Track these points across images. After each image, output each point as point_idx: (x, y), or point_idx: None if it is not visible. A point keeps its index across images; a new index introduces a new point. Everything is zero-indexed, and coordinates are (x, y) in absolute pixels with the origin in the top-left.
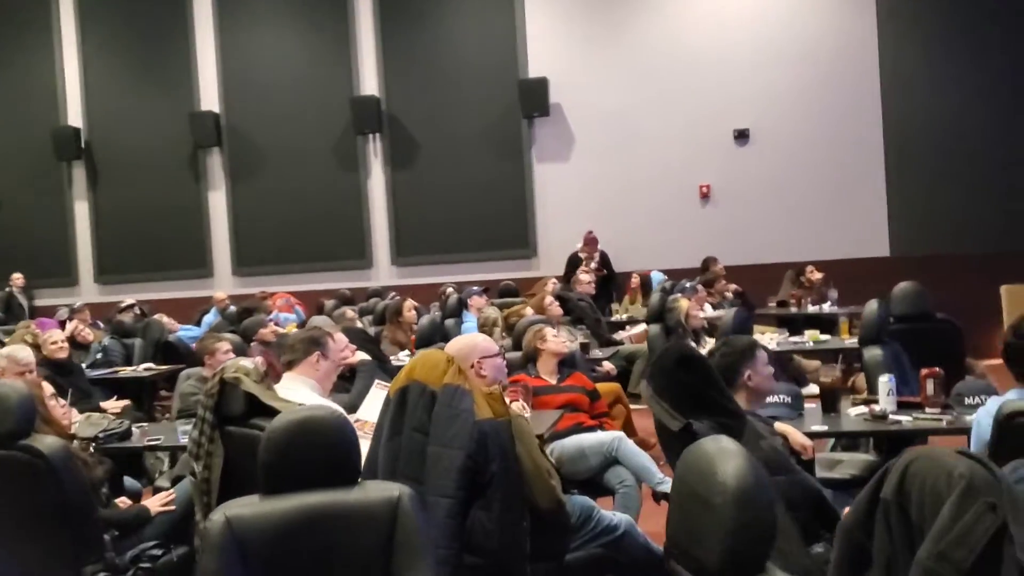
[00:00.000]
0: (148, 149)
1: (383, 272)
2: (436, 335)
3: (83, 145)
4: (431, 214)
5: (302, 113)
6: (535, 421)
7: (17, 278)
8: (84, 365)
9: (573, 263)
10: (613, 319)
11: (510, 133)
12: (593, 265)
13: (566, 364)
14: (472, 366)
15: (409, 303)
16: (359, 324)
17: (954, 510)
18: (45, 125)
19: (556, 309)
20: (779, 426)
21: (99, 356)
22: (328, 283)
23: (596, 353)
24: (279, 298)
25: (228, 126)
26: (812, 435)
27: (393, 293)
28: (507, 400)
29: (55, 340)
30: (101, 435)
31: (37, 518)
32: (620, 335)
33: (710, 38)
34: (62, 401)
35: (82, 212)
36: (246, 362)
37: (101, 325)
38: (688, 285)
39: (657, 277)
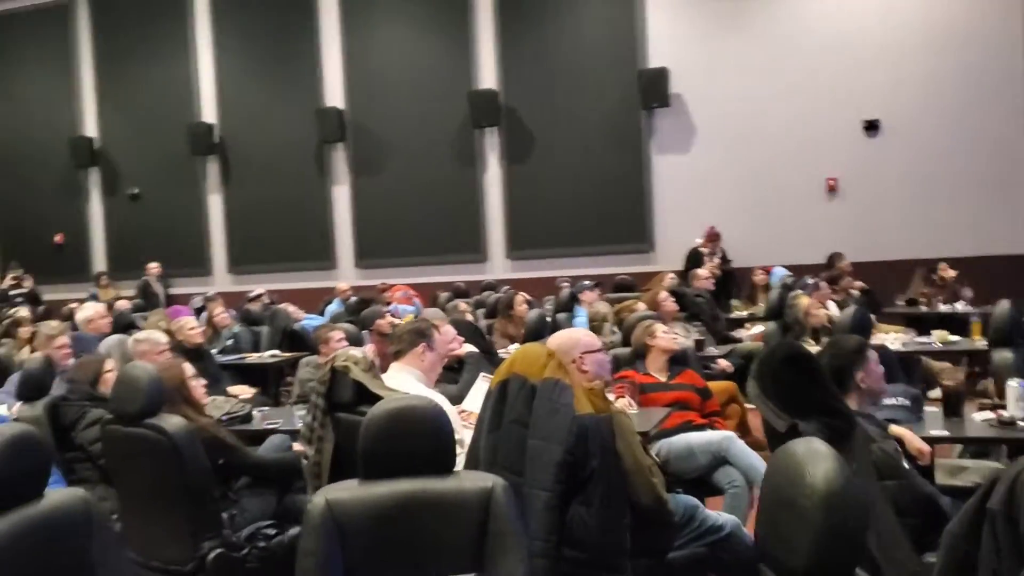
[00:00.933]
0: (276, 144)
1: (498, 265)
2: (545, 329)
3: (216, 140)
4: (547, 207)
5: (422, 108)
6: (641, 418)
7: (153, 267)
8: (215, 351)
9: (693, 258)
10: (732, 316)
11: (629, 125)
12: (715, 260)
13: (677, 361)
14: (574, 361)
15: (520, 297)
16: (470, 317)
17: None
18: (182, 122)
19: (670, 305)
20: (895, 429)
21: (229, 343)
22: (445, 276)
23: (711, 350)
24: (398, 290)
25: (352, 122)
26: (931, 440)
27: (507, 287)
28: (612, 396)
29: (192, 326)
30: (224, 418)
31: (161, 493)
32: (739, 333)
33: (837, 25)
34: (203, 381)
35: (215, 205)
36: (356, 351)
37: (232, 313)
38: (810, 282)
39: (779, 273)
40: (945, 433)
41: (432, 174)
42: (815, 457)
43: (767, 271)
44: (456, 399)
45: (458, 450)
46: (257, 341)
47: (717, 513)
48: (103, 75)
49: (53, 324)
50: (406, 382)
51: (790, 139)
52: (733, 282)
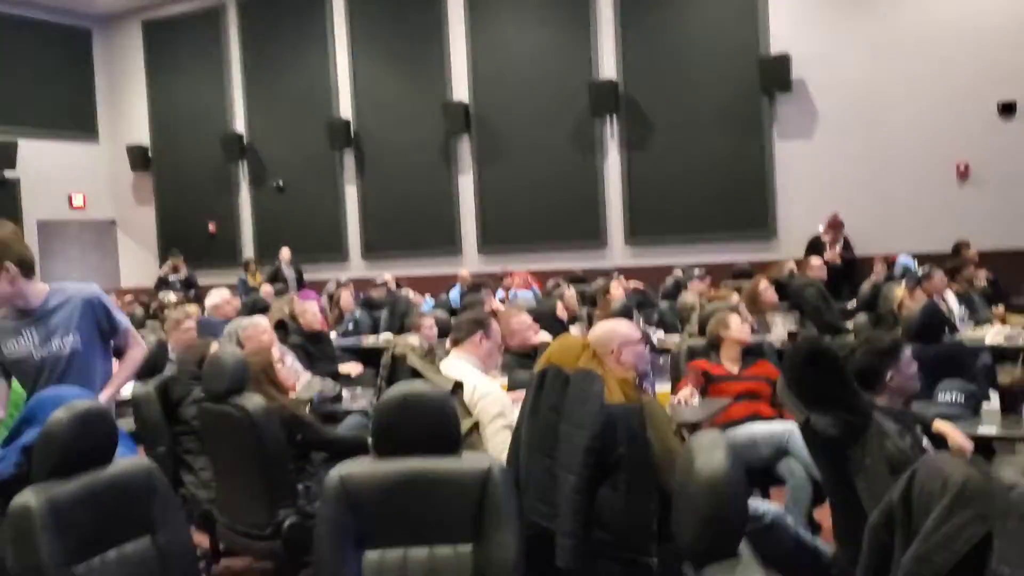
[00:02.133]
0: (406, 138)
1: (617, 253)
2: (629, 317)
3: (352, 135)
4: (667, 194)
5: (543, 99)
6: (704, 407)
7: (284, 253)
8: (338, 334)
9: (814, 246)
10: (851, 306)
11: (750, 111)
12: (837, 249)
13: (752, 352)
14: (612, 352)
15: (617, 283)
16: (574, 303)
17: (942, 515)
18: (321, 118)
19: (770, 295)
20: (938, 424)
21: (350, 326)
22: (565, 263)
23: None
24: (518, 276)
25: (476, 114)
26: (976, 438)
27: (616, 272)
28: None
29: (313, 311)
30: (316, 397)
31: (243, 464)
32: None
33: (967, 3)
34: (289, 362)
35: (351, 195)
36: (413, 339)
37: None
38: (921, 272)
39: (904, 262)
40: (992, 431)
41: (553, 163)
42: (707, 448)
43: (891, 260)
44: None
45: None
46: (376, 324)
47: (762, 503)
48: (250, 76)
49: (189, 309)
50: (462, 368)
51: (918, 123)
52: (856, 271)
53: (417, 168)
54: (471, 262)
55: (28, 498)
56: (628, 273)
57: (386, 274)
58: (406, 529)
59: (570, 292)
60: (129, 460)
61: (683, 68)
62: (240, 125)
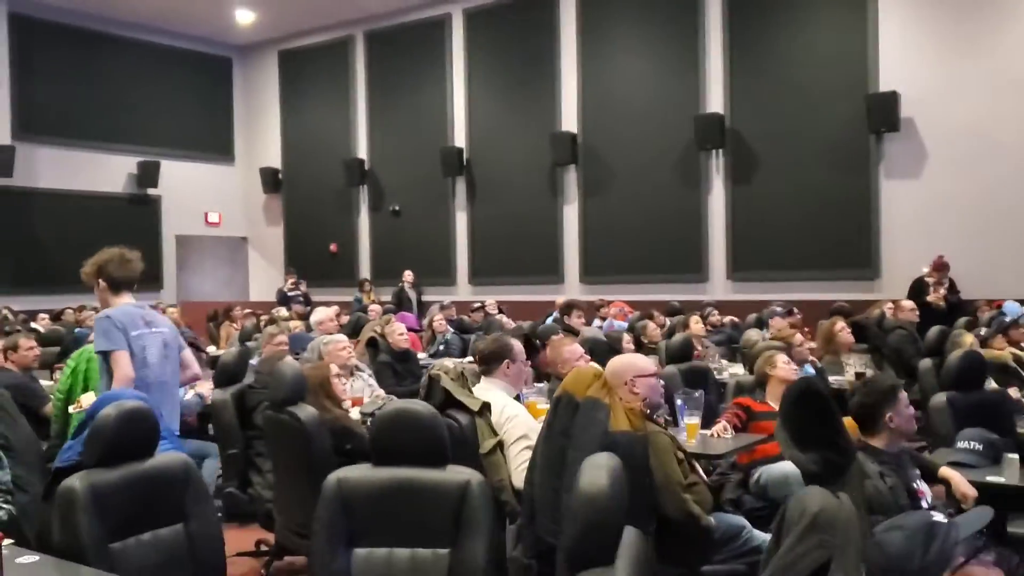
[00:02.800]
0: (515, 166)
1: (719, 286)
2: (688, 351)
3: (464, 163)
4: (771, 230)
5: (649, 131)
6: (736, 442)
7: (408, 276)
8: (428, 354)
9: (917, 288)
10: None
11: (856, 149)
12: (941, 291)
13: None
14: (626, 383)
15: (696, 317)
16: (657, 336)
17: (793, 541)
18: (436, 145)
19: (845, 336)
20: (944, 471)
21: (441, 347)
22: (665, 295)
23: None
24: (615, 306)
25: (583, 145)
26: (983, 485)
27: (708, 307)
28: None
29: (400, 332)
30: (376, 412)
31: (295, 467)
32: None
33: None
34: (365, 378)
35: (461, 221)
36: (448, 362)
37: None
38: (1008, 319)
39: (1012, 308)
40: (1001, 480)
41: (657, 195)
42: (594, 467)
43: (996, 305)
44: None
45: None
46: (466, 347)
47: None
48: (373, 104)
49: (293, 324)
50: (492, 393)
51: None
52: (960, 314)
53: (524, 196)
54: (572, 290)
55: (73, 483)
56: (728, 307)
57: (488, 299)
58: (392, 532)
59: (653, 325)
60: (168, 455)
61: (790, 103)
62: (362, 151)
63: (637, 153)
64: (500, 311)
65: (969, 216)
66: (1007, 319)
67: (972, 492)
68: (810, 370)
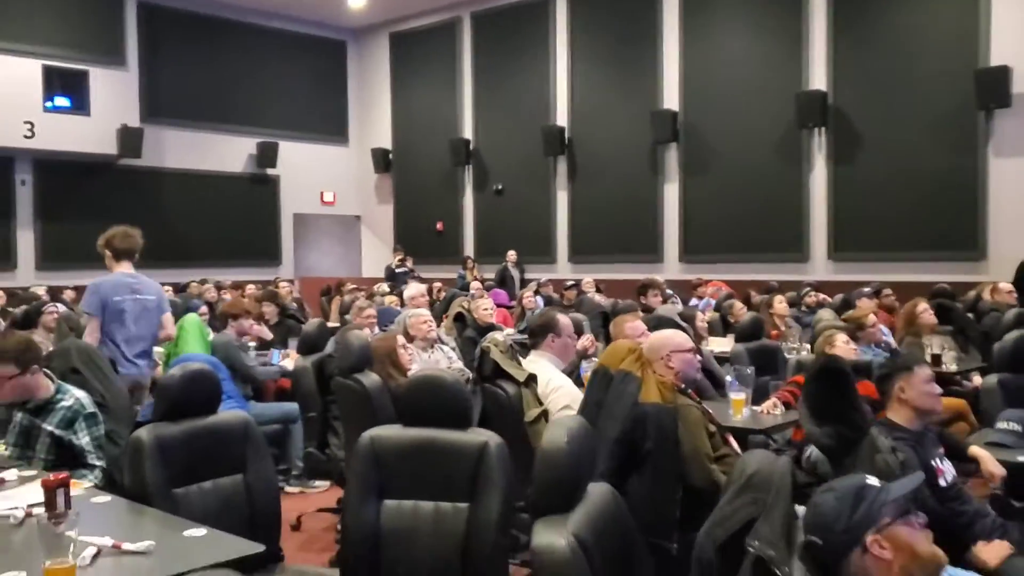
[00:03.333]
0: (616, 145)
1: (819, 266)
2: (759, 330)
3: (566, 142)
4: (873, 210)
5: (751, 109)
6: (784, 418)
7: (511, 255)
8: (516, 330)
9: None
10: None
11: (965, 126)
12: None
13: (859, 371)
14: (662, 357)
15: (780, 297)
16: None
17: (730, 497)
18: (538, 125)
19: (928, 317)
20: (973, 450)
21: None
22: (765, 274)
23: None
24: (712, 286)
25: (684, 123)
26: (1013, 466)
27: (806, 288)
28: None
29: (485, 307)
30: None
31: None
32: None
33: None
34: (410, 349)
35: (562, 200)
36: (499, 335)
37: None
38: None
39: None
40: None
41: (758, 173)
42: (556, 427)
43: None
44: None
45: None
46: None
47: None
48: (479, 84)
49: (388, 299)
50: (540, 364)
51: None
52: None
53: (625, 175)
54: (672, 269)
55: (141, 434)
56: (828, 288)
57: (587, 277)
58: (418, 486)
59: (739, 304)
60: (230, 413)
61: (895, 80)
62: (468, 131)
63: (738, 131)
64: (598, 289)
65: None
66: None
67: (1000, 471)
68: (877, 350)
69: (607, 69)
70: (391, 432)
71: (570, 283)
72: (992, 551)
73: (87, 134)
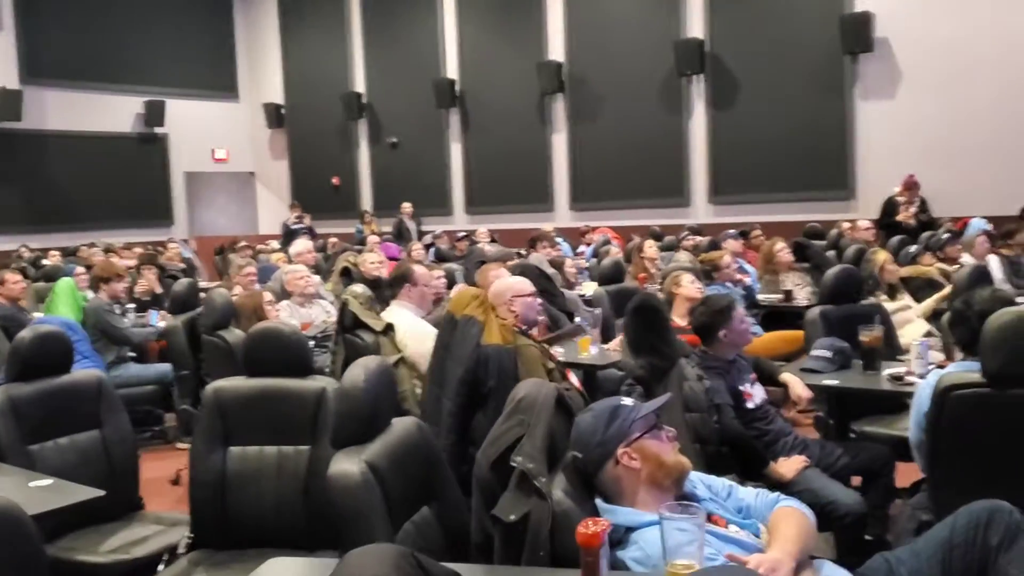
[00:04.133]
0: (505, 97)
1: (700, 210)
2: (621, 275)
3: (457, 94)
4: (749, 153)
5: (631, 58)
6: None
7: (406, 207)
8: None
9: (889, 207)
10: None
11: (832, 71)
12: (912, 210)
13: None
14: (505, 302)
15: (650, 242)
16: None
17: (503, 419)
18: (429, 78)
19: (785, 256)
20: (784, 376)
21: None
22: (649, 219)
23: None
24: (599, 233)
25: (570, 73)
26: (819, 388)
27: (685, 232)
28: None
29: (372, 261)
30: (319, 335)
31: None
32: None
33: None
34: (277, 307)
35: (456, 152)
36: (357, 288)
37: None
38: (946, 236)
39: (977, 224)
40: (835, 382)
41: (640, 122)
42: (355, 366)
43: (963, 223)
44: None
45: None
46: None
47: None
48: (369, 37)
49: (275, 256)
50: (400, 314)
51: (1005, 83)
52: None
53: (515, 126)
54: (563, 218)
55: None
56: (710, 230)
57: (481, 228)
58: (262, 432)
59: (615, 250)
60: (83, 372)
61: (768, 27)
62: (360, 85)
63: (621, 80)
64: (493, 239)
65: (941, 135)
66: (971, 233)
67: (806, 394)
68: (732, 288)
69: (494, 21)
70: (234, 383)
71: (461, 234)
72: (788, 465)
73: None
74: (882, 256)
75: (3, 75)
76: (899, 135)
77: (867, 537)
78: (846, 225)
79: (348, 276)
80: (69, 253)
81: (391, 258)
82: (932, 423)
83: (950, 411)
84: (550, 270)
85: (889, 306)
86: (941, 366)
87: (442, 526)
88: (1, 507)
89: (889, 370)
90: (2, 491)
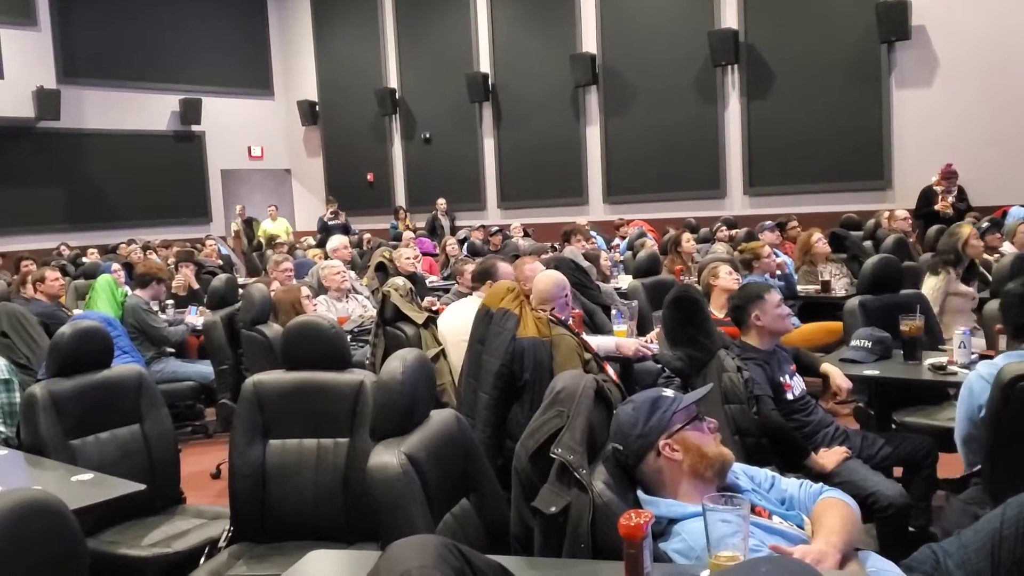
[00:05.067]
0: (538, 90)
1: (736, 202)
2: (657, 266)
3: (490, 88)
4: (785, 144)
5: (665, 49)
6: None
7: (441, 203)
8: (441, 277)
9: (926, 196)
10: None
11: (868, 60)
12: (949, 199)
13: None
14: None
15: (688, 235)
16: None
17: (542, 411)
18: (461, 72)
19: (822, 246)
20: (824, 367)
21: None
22: (684, 212)
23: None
24: (633, 226)
25: (603, 65)
26: (859, 379)
27: (718, 224)
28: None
29: (407, 256)
30: (356, 329)
31: None
32: None
33: None
34: (314, 302)
35: (489, 147)
36: (398, 280)
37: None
38: (986, 225)
39: (1017, 213)
40: (876, 373)
41: (675, 113)
42: (393, 359)
43: (1002, 211)
44: None
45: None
46: None
47: None
48: (402, 33)
49: (311, 252)
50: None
51: None
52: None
53: (548, 119)
54: (597, 211)
55: (35, 390)
56: (745, 222)
57: (515, 222)
58: (300, 425)
59: (650, 242)
60: (123, 367)
61: (804, 15)
62: (393, 80)
63: (655, 71)
64: (526, 234)
65: (979, 123)
66: (1012, 222)
67: (846, 384)
68: (771, 280)
69: (526, 14)
70: (273, 376)
71: (495, 229)
72: (829, 456)
73: (1, 97)
74: (967, 230)
75: (41, 75)
76: (936, 124)
77: (910, 528)
78: (885, 215)
79: (384, 271)
80: (108, 251)
81: (425, 254)
82: (994, 415)
83: (1016, 402)
84: (585, 263)
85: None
86: (984, 356)
87: (481, 518)
88: (43, 501)
89: (930, 360)
90: (44, 485)
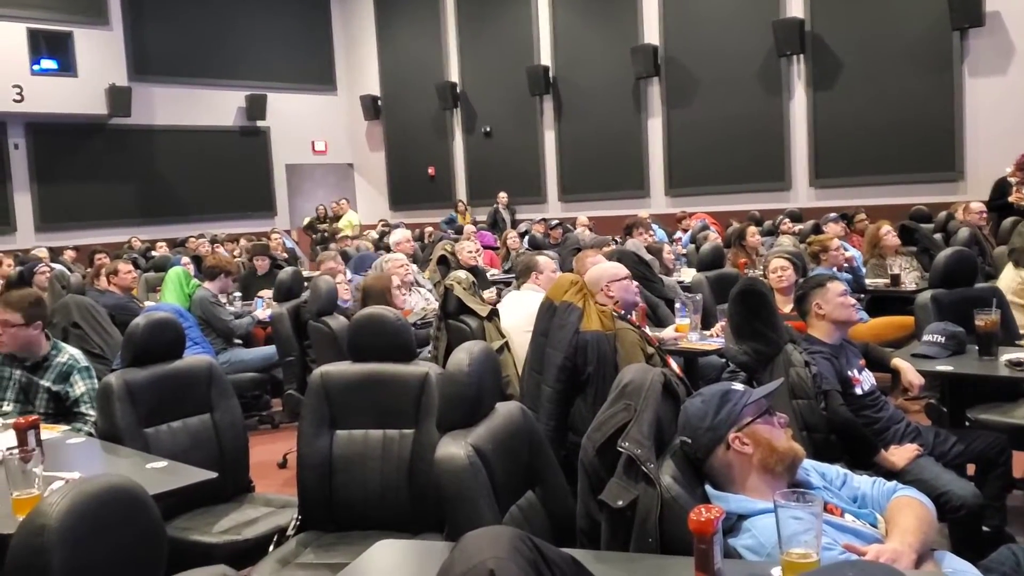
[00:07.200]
0: (599, 82)
1: (801, 194)
2: (721, 260)
3: (551, 81)
4: (852, 135)
5: (728, 39)
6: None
7: (502, 197)
8: (502, 270)
9: (1000, 188)
10: None
11: (940, 47)
12: None
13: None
14: (602, 288)
15: (753, 228)
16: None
17: (608, 405)
18: (522, 65)
19: (892, 239)
20: (896, 362)
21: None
22: (749, 204)
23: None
24: (696, 219)
25: (665, 57)
26: (933, 374)
27: (781, 217)
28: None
29: (469, 250)
30: (418, 322)
31: None
32: None
33: None
34: (403, 293)
35: (549, 140)
36: (461, 273)
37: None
38: None
39: None
40: (949, 368)
41: (738, 104)
42: (459, 351)
43: None
44: None
45: None
46: None
47: None
48: (463, 27)
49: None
50: (527, 298)
51: None
52: None
53: (609, 111)
54: (659, 204)
55: (110, 379)
56: (811, 214)
57: (580, 215)
58: (367, 416)
59: (713, 235)
60: (195, 357)
61: (872, 3)
62: (454, 74)
63: (718, 62)
64: (589, 227)
65: None
66: None
67: (918, 380)
68: (839, 274)
69: (588, 6)
70: (340, 368)
71: (555, 222)
72: (900, 453)
73: (76, 95)
74: None
75: (114, 73)
76: (1011, 113)
77: (984, 528)
78: (960, 207)
79: (445, 264)
80: (177, 244)
81: (486, 247)
82: None
83: None
84: (648, 256)
85: None
86: None
87: (547, 510)
88: (126, 487)
89: (1007, 355)
90: (121, 472)
